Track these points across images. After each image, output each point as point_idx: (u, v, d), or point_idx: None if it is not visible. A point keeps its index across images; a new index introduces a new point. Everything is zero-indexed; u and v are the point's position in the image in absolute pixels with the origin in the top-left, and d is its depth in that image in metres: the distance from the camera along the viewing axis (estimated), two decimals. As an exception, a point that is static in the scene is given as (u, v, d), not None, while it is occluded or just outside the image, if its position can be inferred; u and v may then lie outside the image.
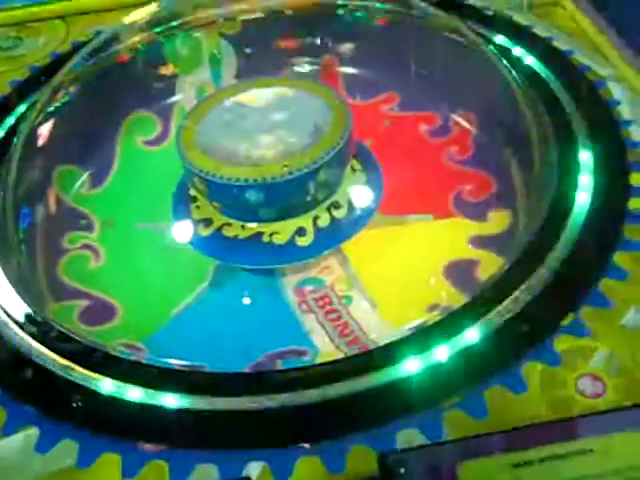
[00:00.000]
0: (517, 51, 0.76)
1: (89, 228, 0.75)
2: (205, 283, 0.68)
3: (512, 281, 0.54)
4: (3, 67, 0.87)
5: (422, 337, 0.52)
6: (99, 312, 0.67)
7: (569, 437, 0.41)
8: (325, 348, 0.61)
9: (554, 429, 0.42)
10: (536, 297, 0.53)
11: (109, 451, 0.47)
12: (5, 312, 0.58)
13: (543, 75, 0.72)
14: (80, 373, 0.52)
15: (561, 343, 0.50)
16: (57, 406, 0.50)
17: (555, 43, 0.77)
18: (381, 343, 0.53)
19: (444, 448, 0.42)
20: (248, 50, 0.89)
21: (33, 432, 0.49)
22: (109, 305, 0.68)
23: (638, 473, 0.39)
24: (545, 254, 0.55)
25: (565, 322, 0.51)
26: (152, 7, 0.85)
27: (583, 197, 0.59)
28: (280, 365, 0.58)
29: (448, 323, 0.52)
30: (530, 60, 0.75)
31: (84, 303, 0.68)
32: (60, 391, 0.51)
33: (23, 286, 0.62)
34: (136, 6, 0.87)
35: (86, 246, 0.73)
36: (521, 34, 0.79)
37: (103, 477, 0.47)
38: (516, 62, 0.74)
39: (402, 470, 0.40)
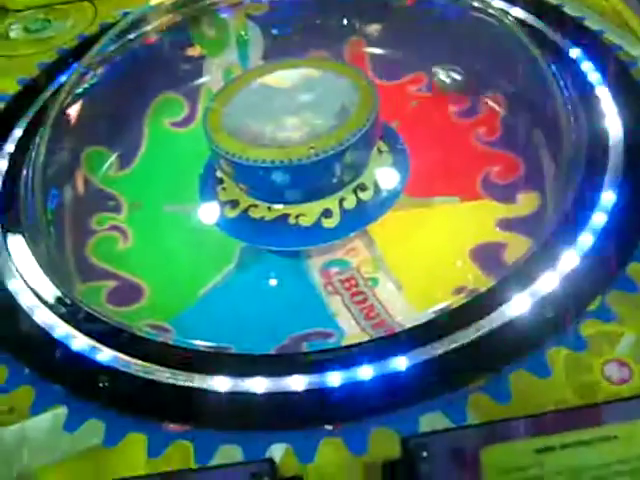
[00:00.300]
0: (547, 31, 0.75)
1: (117, 209, 0.76)
2: (231, 265, 0.68)
3: (539, 265, 0.53)
4: (31, 49, 0.88)
5: (447, 320, 0.52)
6: (127, 293, 0.68)
7: (593, 423, 0.41)
8: (351, 330, 0.61)
9: (578, 415, 0.42)
10: (563, 281, 0.52)
11: (135, 431, 0.48)
12: (34, 293, 0.58)
13: (573, 55, 0.71)
14: (107, 354, 0.53)
15: (587, 328, 0.50)
16: (85, 386, 0.51)
17: (586, 22, 0.76)
18: (407, 326, 0.53)
19: (467, 432, 0.42)
20: (275, 31, 0.88)
21: (61, 411, 0.50)
22: (136, 286, 0.68)
23: (663, 459, 0.39)
24: (573, 238, 0.54)
25: (592, 307, 0.51)
26: (179, -12, 0.85)
27: (612, 179, 0.58)
28: (305, 347, 0.58)
29: (473, 306, 0.52)
30: (560, 40, 0.73)
31: (112, 284, 0.69)
32: (88, 371, 0.52)
33: (51, 267, 0.63)
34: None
35: (114, 227, 0.74)
36: (551, 13, 0.78)
37: (129, 456, 0.47)
38: (546, 43, 0.73)
39: (424, 454, 0.40)
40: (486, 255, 0.65)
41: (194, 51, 0.87)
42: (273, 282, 0.67)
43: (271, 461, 0.42)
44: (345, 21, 0.87)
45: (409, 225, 0.68)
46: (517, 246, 0.64)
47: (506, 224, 0.67)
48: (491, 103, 0.80)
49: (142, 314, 0.65)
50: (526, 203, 0.69)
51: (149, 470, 0.46)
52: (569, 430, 0.40)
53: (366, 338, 0.55)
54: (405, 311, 0.62)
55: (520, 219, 0.68)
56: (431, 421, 0.46)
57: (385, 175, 0.68)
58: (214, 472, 0.43)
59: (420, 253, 0.66)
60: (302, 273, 0.67)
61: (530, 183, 0.70)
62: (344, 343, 0.57)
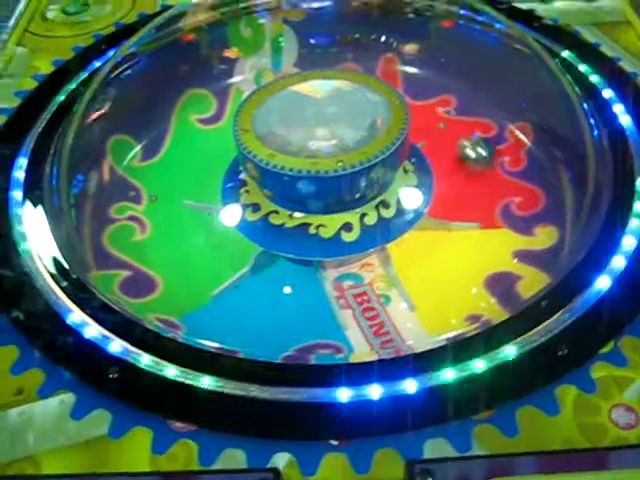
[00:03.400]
0: (582, 68, 0.75)
1: (137, 200, 0.76)
2: (247, 268, 0.68)
3: (555, 302, 0.54)
4: (68, 32, 0.88)
5: (459, 348, 0.52)
6: (140, 284, 0.68)
7: (598, 467, 0.41)
8: (359, 346, 0.61)
9: (584, 457, 0.42)
10: (578, 321, 0.52)
11: (141, 425, 0.48)
12: (51, 275, 0.59)
13: (606, 95, 0.71)
14: (119, 345, 0.53)
15: (598, 370, 0.50)
16: (94, 375, 0.52)
17: (621, 63, 0.76)
18: (417, 349, 0.53)
19: (473, 463, 0.42)
20: (311, 40, 0.89)
21: (69, 398, 0.50)
22: (150, 278, 0.69)
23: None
24: (591, 278, 0.55)
25: (604, 350, 0.51)
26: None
27: (636, 223, 0.59)
28: (314, 359, 0.59)
29: (487, 336, 0.52)
30: (594, 78, 0.74)
31: (126, 273, 0.69)
32: (98, 360, 0.52)
33: (69, 250, 0.63)
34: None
35: (133, 218, 0.74)
36: (588, 51, 0.78)
37: (133, 449, 0.48)
38: (580, 79, 0.73)
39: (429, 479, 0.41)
40: (500, 285, 0.65)
41: (230, 52, 0.87)
42: (286, 290, 0.67)
43: (276, 471, 0.42)
44: (383, 37, 0.88)
45: (427, 246, 0.69)
46: (532, 279, 0.64)
47: (523, 256, 0.67)
48: (518, 133, 0.80)
49: (153, 307, 0.65)
50: (544, 237, 0.69)
51: (152, 466, 0.46)
52: (574, 471, 0.41)
53: (374, 355, 0.56)
54: (415, 332, 0.62)
55: (537, 252, 0.68)
56: (436, 447, 0.46)
57: (409, 195, 0.68)
58: (219, 476, 0.43)
59: (435, 276, 0.67)
60: (316, 283, 0.67)
61: (550, 217, 0.70)
62: (353, 359, 0.57)
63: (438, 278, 0.67)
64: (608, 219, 0.60)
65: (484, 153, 0.75)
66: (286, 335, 0.61)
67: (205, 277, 0.68)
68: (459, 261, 0.68)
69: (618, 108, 0.69)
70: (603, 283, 0.55)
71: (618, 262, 0.56)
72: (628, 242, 0.57)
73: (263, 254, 0.68)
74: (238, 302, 0.66)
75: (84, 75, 0.79)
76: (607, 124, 0.68)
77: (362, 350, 0.61)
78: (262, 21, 0.89)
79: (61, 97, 0.77)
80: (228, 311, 0.65)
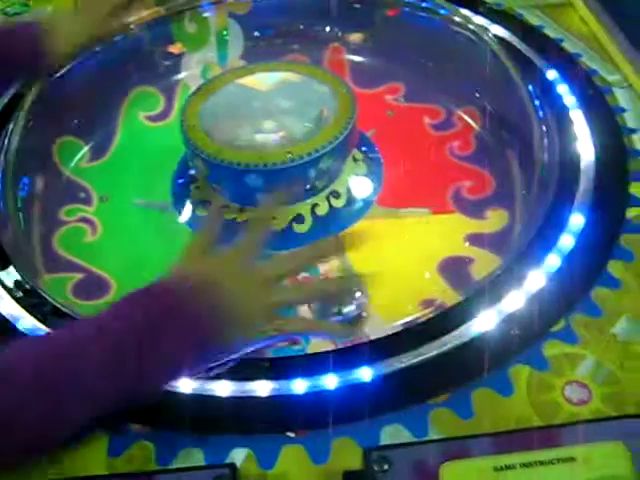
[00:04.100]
0: (526, 50, 0.76)
1: (87, 201, 0.75)
2: (200, 264, 0.68)
3: (506, 283, 0.54)
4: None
5: (413, 333, 0.52)
6: (93, 286, 0.67)
7: (552, 444, 0.41)
8: (316, 338, 0.61)
9: (538, 435, 0.43)
10: (528, 301, 0.53)
11: (96, 429, 0.48)
12: (0, 282, 0.58)
13: (550, 77, 0.72)
14: (71, 348, 0.52)
15: (550, 348, 0.50)
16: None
17: (564, 45, 0.77)
18: (372, 336, 0.53)
19: (428, 447, 0.43)
20: (256, 33, 0.88)
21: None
22: (103, 280, 0.68)
23: (618, 484, 0.40)
24: (540, 259, 0.55)
25: (555, 328, 0.51)
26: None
27: (581, 203, 0.59)
28: (270, 353, 0.58)
29: (440, 321, 0.53)
30: (538, 61, 0.74)
31: (78, 276, 0.68)
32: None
33: (17, 255, 0.62)
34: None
35: (83, 219, 0.74)
36: (531, 33, 0.79)
37: (89, 453, 0.47)
38: (524, 61, 0.74)
39: (385, 467, 0.41)
40: (454, 269, 0.66)
41: (175, 48, 0.87)
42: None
43: (233, 466, 0.42)
44: (328, 28, 0.87)
45: (379, 235, 0.68)
46: (484, 261, 0.64)
47: (474, 239, 0.68)
48: (467, 118, 0.81)
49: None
50: (495, 220, 0.70)
51: (109, 469, 0.46)
52: (529, 450, 0.41)
53: (331, 346, 0.56)
54: (372, 320, 0.62)
55: (488, 235, 0.68)
56: (393, 433, 0.46)
57: (359, 184, 0.68)
58: (175, 475, 0.43)
59: (389, 263, 0.67)
60: (271, 277, 0.67)
61: (500, 200, 0.71)
62: (309, 351, 0.57)
63: (392, 265, 0.67)
64: (555, 199, 0.60)
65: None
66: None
67: (158, 275, 0.68)
68: (412, 247, 0.68)
69: (562, 89, 0.70)
70: (552, 262, 0.55)
71: (566, 241, 0.56)
72: (576, 221, 0.58)
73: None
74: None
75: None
76: (552, 105, 0.69)
77: (319, 341, 0.61)
78: (206, 15, 0.88)
79: (4, 100, 0.75)
80: (183, 309, 0.65)
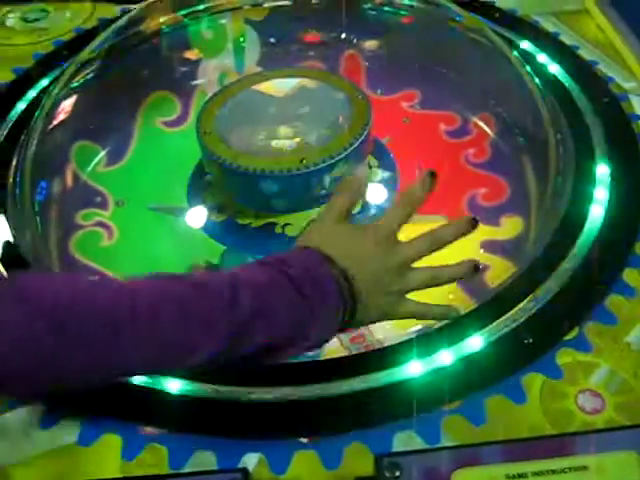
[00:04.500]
0: (542, 58, 0.76)
1: (103, 206, 0.76)
2: (214, 269, 0.68)
3: (520, 291, 0.54)
4: (27, 39, 0.87)
5: (427, 340, 0.52)
6: (108, 291, 0.67)
7: (565, 453, 0.41)
8: (330, 343, 0.61)
9: (550, 444, 0.43)
10: (542, 309, 0.53)
11: (110, 432, 0.48)
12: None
13: (566, 84, 0.72)
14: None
15: (564, 357, 0.50)
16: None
17: (580, 52, 0.77)
18: (386, 344, 0.54)
19: (440, 455, 0.43)
20: (272, 39, 0.89)
21: (38, 407, 0.50)
22: (119, 284, 0.68)
23: (630, 493, 0.40)
24: (555, 266, 0.55)
25: (569, 336, 0.51)
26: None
27: (597, 211, 0.59)
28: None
29: (454, 328, 0.53)
30: (554, 68, 0.74)
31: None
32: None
33: (35, 259, 0.63)
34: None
35: (100, 223, 0.74)
36: (547, 41, 0.79)
37: (103, 457, 0.47)
38: (540, 69, 0.74)
39: (397, 473, 0.41)
40: (468, 276, 0.66)
41: (191, 54, 0.87)
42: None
43: (245, 471, 0.42)
44: (343, 34, 0.88)
45: (394, 241, 0.69)
46: (499, 269, 0.64)
47: (490, 246, 0.68)
48: (482, 125, 0.80)
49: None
50: (509, 227, 0.70)
51: (122, 472, 0.46)
52: (541, 458, 0.41)
53: (345, 353, 0.56)
54: (385, 328, 0.62)
55: (503, 242, 0.68)
56: (405, 440, 0.46)
57: (373, 190, 0.68)
58: (188, 479, 0.43)
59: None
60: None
61: (515, 208, 0.71)
62: (323, 357, 0.57)
63: (406, 272, 0.67)
64: (570, 206, 0.60)
65: None
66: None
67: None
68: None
69: (578, 96, 0.70)
70: (566, 270, 0.55)
71: (581, 248, 0.56)
72: (590, 229, 0.58)
73: (230, 254, 0.68)
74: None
75: (45, 82, 0.79)
76: (567, 112, 0.69)
77: (332, 347, 0.61)
78: (223, 22, 0.88)
79: (22, 105, 0.76)
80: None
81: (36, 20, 0.91)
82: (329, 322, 0.43)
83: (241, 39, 0.89)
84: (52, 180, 0.75)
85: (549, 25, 0.82)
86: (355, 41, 0.88)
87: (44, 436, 0.49)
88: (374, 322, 0.48)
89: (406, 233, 0.69)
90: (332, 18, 0.87)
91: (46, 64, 0.82)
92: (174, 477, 0.44)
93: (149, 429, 0.48)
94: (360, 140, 0.63)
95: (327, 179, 0.63)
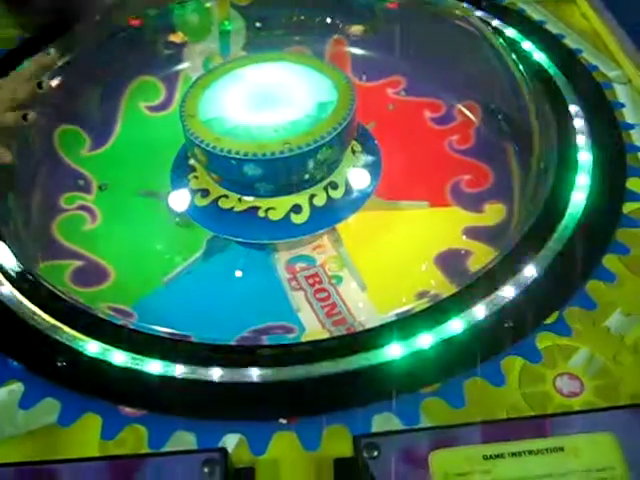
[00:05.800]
0: (527, 45, 0.76)
1: (87, 189, 0.76)
2: (198, 253, 0.68)
3: (500, 275, 0.54)
4: (10, 22, 0.86)
5: (407, 323, 0.52)
6: (91, 274, 0.68)
7: (541, 434, 0.42)
8: (312, 326, 0.62)
9: (527, 425, 0.43)
10: (523, 293, 0.53)
11: (90, 412, 0.48)
12: (-2, 267, 0.58)
13: (550, 72, 0.72)
14: (67, 333, 0.53)
15: (543, 340, 0.51)
16: (43, 364, 0.51)
17: (566, 40, 0.77)
18: (367, 326, 0.54)
19: (418, 435, 0.43)
20: (258, 24, 0.88)
21: (17, 387, 0.50)
22: (102, 267, 0.68)
23: (605, 474, 0.40)
24: (536, 251, 0.56)
25: (549, 320, 0.52)
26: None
27: (579, 197, 0.60)
28: (266, 340, 0.59)
29: (434, 312, 0.53)
30: (539, 56, 0.74)
31: (77, 263, 0.69)
32: (46, 349, 0.52)
33: (16, 241, 0.62)
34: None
35: (82, 207, 0.74)
36: (532, 29, 0.79)
37: (83, 437, 0.47)
38: (525, 57, 0.74)
39: (375, 453, 0.41)
40: (450, 261, 0.66)
41: (176, 37, 0.87)
42: (238, 273, 0.67)
43: (224, 450, 0.42)
44: (329, 19, 0.88)
45: (377, 226, 0.69)
46: (481, 254, 0.65)
47: (472, 232, 0.68)
48: (467, 112, 0.81)
49: (106, 296, 0.65)
50: (492, 213, 0.70)
51: (102, 452, 0.46)
52: (518, 439, 0.41)
53: (326, 335, 0.56)
54: (367, 311, 0.63)
55: (486, 229, 0.69)
56: (384, 421, 0.46)
57: (357, 175, 0.68)
58: (166, 458, 0.43)
59: (386, 254, 0.67)
60: (268, 266, 0.68)
61: (498, 194, 0.71)
62: (304, 339, 0.58)
63: (389, 257, 0.67)
64: (552, 193, 0.60)
65: None
66: (239, 318, 0.62)
67: (157, 264, 0.68)
68: (409, 239, 0.69)
69: (562, 84, 0.70)
70: (547, 256, 0.55)
71: (562, 234, 0.57)
72: (572, 215, 0.58)
73: (214, 239, 0.68)
74: (191, 287, 0.66)
75: (28, 65, 0.78)
76: (551, 100, 0.69)
77: (314, 329, 0.61)
78: (208, 5, 0.88)
79: (5, 88, 0.75)
80: (181, 296, 0.65)
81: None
82: None
83: (226, 23, 0.88)
84: (36, 164, 0.75)
85: (535, 13, 0.82)
86: (341, 26, 0.88)
87: (23, 417, 0.49)
88: None
89: (390, 219, 0.70)
90: (318, 3, 0.87)
91: (29, 47, 0.81)
92: (152, 456, 0.44)
93: (129, 410, 0.48)
94: (344, 125, 0.63)
95: (311, 163, 0.63)
